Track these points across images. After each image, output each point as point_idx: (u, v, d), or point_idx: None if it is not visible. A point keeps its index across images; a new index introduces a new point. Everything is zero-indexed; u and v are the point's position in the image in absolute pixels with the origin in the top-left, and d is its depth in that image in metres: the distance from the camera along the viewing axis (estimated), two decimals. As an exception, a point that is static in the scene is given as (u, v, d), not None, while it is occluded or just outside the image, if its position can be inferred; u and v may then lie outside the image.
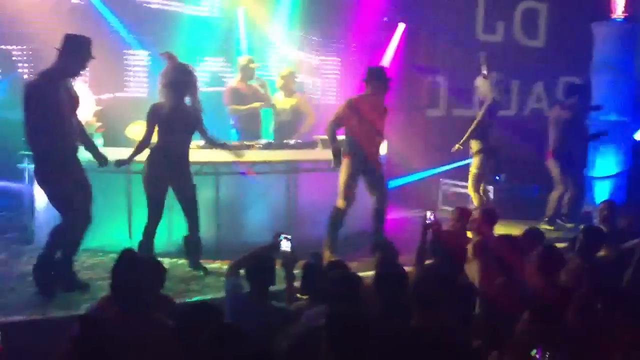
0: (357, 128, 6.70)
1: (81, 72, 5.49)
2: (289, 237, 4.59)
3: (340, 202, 6.77)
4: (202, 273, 6.16)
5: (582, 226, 7.80)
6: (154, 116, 5.88)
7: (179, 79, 5.91)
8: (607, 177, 9.55)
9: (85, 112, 6.91)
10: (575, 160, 8.56)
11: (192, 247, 6.23)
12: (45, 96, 5.14)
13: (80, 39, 5.35)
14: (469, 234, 5.54)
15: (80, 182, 5.48)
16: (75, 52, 5.29)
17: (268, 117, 8.76)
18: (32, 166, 6.54)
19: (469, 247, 5.01)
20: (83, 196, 5.47)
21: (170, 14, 9.26)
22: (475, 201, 8.08)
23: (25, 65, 8.10)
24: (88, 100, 7.00)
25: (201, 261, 6.32)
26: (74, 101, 5.43)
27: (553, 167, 8.51)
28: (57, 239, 5.40)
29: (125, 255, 3.68)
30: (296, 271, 4.64)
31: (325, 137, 6.96)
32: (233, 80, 8.44)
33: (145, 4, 9.06)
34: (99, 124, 7.05)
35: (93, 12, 8.57)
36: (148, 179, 5.96)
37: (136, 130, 6.68)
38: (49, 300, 5.23)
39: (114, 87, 8.72)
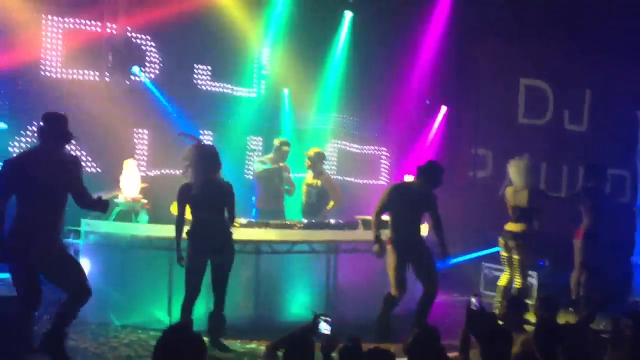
0: (400, 214, 6.74)
1: (64, 146, 5.39)
2: (329, 319, 4.52)
3: (393, 290, 6.72)
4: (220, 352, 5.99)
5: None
6: (182, 196, 6.02)
7: (202, 157, 6.04)
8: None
9: (133, 189, 7.09)
10: (615, 244, 8.34)
11: (214, 325, 6.12)
12: (15, 173, 5.11)
13: (54, 119, 5.29)
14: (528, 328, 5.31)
15: (61, 259, 5.31)
16: (51, 131, 5.24)
17: (293, 198, 8.93)
18: (79, 241, 6.71)
19: (519, 341, 4.87)
20: (70, 269, 5.36)
21: (219, 94, 9.61)
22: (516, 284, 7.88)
23: (75, 146, 8.10)
24: (135, 177, 7.18)
25: (238, 341, 6.27)
26: (63, 175, 5.26)
27: (581, 248, 8.31)
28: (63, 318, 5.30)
29: (168, 335, 3.61)
30: (334, 354, 4.56)
31: (367, 217, 6.99)
32: (262, 158, 8.93)
33: (196, 86, 9.44)
34: (145, 201, 7.18)
35: (146, 93, 8.91)
36: (189, 253, 6.01)
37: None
38: None
39: (161, 164, 8.97)
